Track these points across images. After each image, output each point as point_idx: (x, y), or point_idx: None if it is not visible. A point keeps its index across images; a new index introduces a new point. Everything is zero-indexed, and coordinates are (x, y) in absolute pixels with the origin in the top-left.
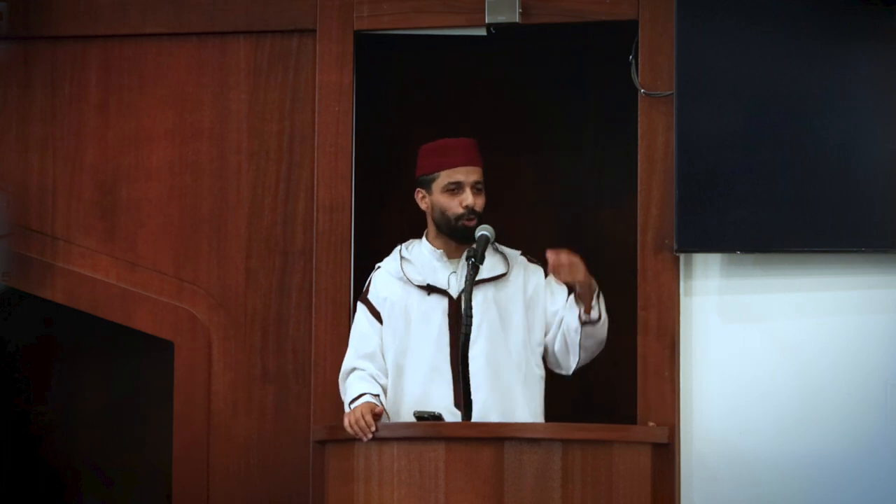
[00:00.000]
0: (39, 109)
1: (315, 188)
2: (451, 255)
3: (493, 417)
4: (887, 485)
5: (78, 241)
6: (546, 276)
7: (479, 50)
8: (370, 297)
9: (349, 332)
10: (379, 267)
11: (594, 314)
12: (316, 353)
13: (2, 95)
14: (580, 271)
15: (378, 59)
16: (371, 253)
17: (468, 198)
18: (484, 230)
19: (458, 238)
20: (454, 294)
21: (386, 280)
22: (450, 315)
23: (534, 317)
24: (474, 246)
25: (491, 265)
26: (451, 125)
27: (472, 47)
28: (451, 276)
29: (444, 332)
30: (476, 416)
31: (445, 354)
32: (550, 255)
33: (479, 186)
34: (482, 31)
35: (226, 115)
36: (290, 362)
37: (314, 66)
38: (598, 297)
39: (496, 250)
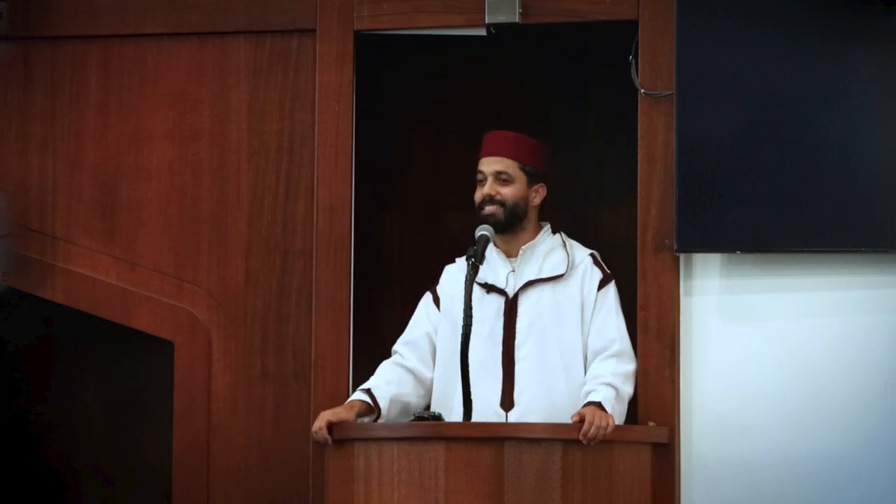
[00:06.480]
0: (39, 109)
1: (315, 188)
2: (511, 253)
3: (537, 420)
4: (887, 485)
5: (78, 241)
6: (601, 288)
7: (479, 50)
8: (438, 286)
9: (349, 332)
10: (456, 260)
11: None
12: (316, 353)
13: (2, 95)
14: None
15: (378, 59)
16: (371, 253)
17: (486, 187)
18: (484, 230)
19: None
20: (510, 293)
21: (455, 273)
22: (504, 314)
23: (586, 319)
24: (475, 246)
25: (551, 265)
26: (451, 125)
27: (472, 47)
28: (509, 275)
29: (497, 331)
30: (519, 419)
31: (497, 354)
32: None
33: (505, 177)
34: (482, 31)
35: (226, 115)
36: (290, 362)
37: (314, 66)
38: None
39: (564, 248)
